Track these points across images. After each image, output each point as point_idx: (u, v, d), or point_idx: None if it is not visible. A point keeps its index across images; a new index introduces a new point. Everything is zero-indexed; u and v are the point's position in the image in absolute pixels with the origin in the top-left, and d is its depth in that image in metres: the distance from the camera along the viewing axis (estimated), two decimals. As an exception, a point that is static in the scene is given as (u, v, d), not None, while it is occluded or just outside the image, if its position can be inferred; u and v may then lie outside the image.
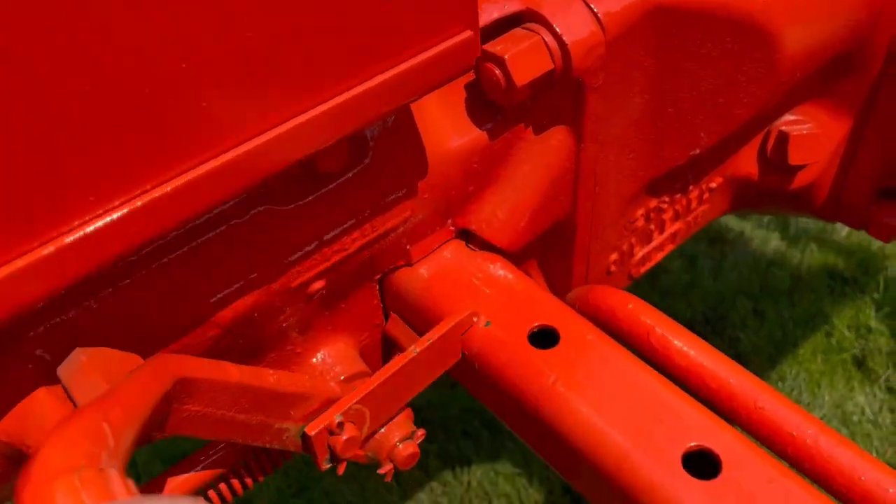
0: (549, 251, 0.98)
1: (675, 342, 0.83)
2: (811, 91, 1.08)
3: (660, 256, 1.12)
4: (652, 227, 1.07)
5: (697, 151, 0.96)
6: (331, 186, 0.70)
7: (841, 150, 1.15)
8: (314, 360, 0.85)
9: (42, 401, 0.56)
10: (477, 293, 0.85)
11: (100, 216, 0.49)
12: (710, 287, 2.83)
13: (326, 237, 0.72)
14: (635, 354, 0.84)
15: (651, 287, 2.80)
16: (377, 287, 0.88)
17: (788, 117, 1.11)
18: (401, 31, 0.59)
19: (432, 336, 0.78)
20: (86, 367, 0.57)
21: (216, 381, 0.62)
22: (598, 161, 0.88)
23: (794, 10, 0.87)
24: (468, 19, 0.61)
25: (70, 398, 0.55)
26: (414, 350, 0.77)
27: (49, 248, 0.47)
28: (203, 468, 0.74)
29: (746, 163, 1.12)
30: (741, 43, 0.86)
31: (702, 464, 0.68)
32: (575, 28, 0.76)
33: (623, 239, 1.03)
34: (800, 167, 1.11)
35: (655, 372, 0.76)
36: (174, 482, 0.72)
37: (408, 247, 0.85)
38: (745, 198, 1.18)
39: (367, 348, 0.92)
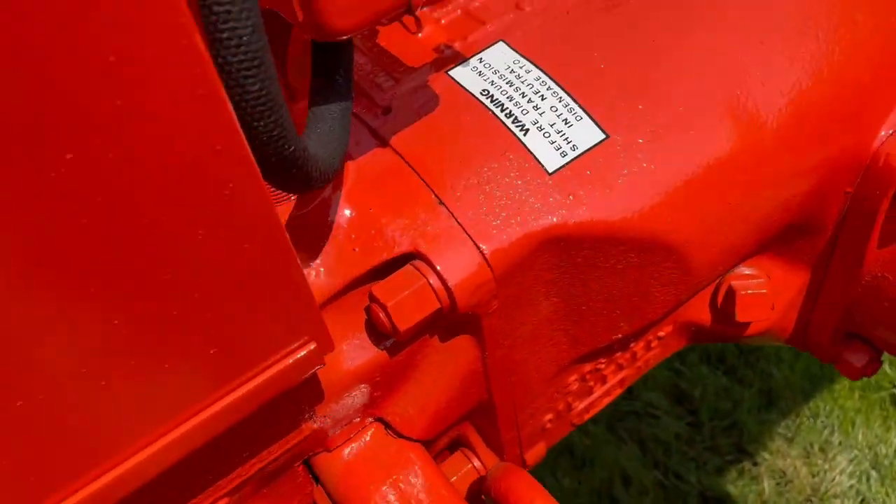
0: (478, 419, 1.02)
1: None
2: (763, 248, 1.06)
3: (607, 401, 1.14)
4: (591, 384, 1.09)
5: (620, 336, 0.97)
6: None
7: (801, 298, 1.13)
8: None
9: None
10: (391, 488, 0.91)
11: None
12: (749, 313, 2.77)
13: (217, 481, 0.79)
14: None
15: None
16: (301, 465, 0.95)
17: (742, 269, 1.09)
18: (250, 348, 0.64)
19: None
20: None
21: None
22: (509, 358, 0.92)
23: (707, 222, 0.86)
24: (316, 332, 0.65)
25: None
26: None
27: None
28: None
29: (698, 311, 1.12)
30: (648, 257, 0.86)
31: None
32: (460, 268, 0.79)
33: (557, 401, 1.06)
34: (746, 324, 1.10)
35: None
36: None
37: (327, 436, 0.91)
38: (702, 337, 1.18)
39: (302, 508, 1.00)
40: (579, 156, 0.84)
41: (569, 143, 0.84)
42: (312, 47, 0.69)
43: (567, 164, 0.83)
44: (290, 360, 0.65)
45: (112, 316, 0.53)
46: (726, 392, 2.56)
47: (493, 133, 0.85)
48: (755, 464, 2.43)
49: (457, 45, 0.93)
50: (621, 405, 2.55)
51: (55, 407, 0.55)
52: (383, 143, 0.86)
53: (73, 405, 0.56)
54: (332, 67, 0.70)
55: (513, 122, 0.85)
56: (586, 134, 0.85)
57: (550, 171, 0.83)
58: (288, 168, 0.60)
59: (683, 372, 2.61)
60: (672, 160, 0.85)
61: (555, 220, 0.81)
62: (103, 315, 0.53)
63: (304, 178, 0.63)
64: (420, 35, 0.95)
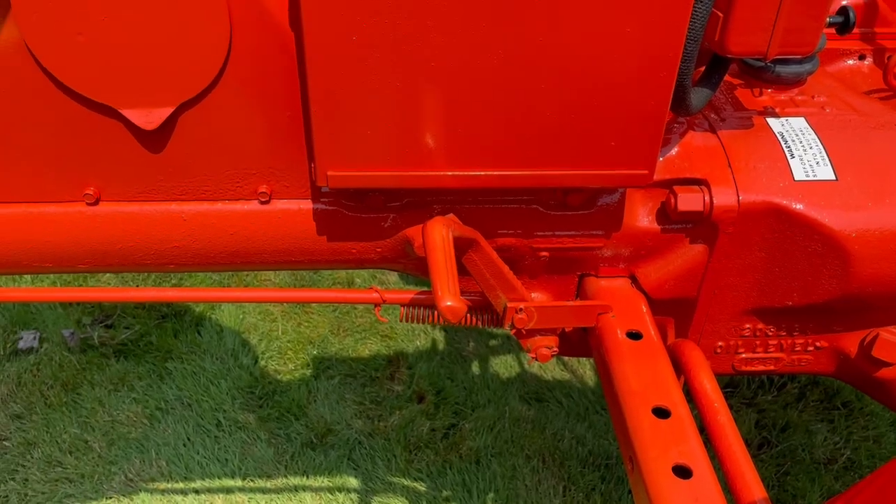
0: (679, 316, 1.66)
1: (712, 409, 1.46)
2: (911, 317, 1.59)
3: (762, 368, 1.71)
4: (756, 342, 1.67)
5: (790, 304, 1.57)
6: (568, 213, 1.52)
7: (923, 372, 1.62)
8: (529, 294, 1.67)
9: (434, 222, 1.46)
10: (619, 315, 1.59)
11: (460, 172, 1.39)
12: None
13: (556, 234, 1.54)
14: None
15: None
16: (576, 279, 1.66)
17: (891, 328, 1.62)
18: (611, 158, 1.38)
19: (579, 302, 1.55)
20: (447, 218, 1.47)
21: (484, 247, 1.48)
22: (720, 276, 1.56)
23: (872, 247, 1.45)
24: (649, 165, 1.38)
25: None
26: (570, 301, 1.55)
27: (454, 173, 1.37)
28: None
29: (849, 342, 1.66)
30: (829, 255, 1.47)
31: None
32: (723, 197, 1.48)
33: (730, 336, 1.66)
34: (883, 362, 1.62)
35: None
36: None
37: (600, 265, 1.62)
38: (845, 372, 1.70)
39: (559, 309, 1.71)
40: (816, 180, 1.49)
41: (813, 172, 1.50)
42: (713, 57, 1.45)
43: (807, 180, 1.49)
44: (635, 171, 1.38)
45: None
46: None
47: (774, 150, 1.53)
48: None
49: (776, 110, 1.63)
50: None
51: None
52: (713, 131, 1.58)
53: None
54: (717, 71, 1.45)
55: (787, 149, 1.53)
56: (826, 173, 1.49)
57: (796, 178, 1.49)
58: (683, 92, 1.35)
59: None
60: (873, 211, 1.46)
61: (784, 202, 1.47)
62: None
63: (684, 103, 1.37)
64: (758, 98, 1.67)
